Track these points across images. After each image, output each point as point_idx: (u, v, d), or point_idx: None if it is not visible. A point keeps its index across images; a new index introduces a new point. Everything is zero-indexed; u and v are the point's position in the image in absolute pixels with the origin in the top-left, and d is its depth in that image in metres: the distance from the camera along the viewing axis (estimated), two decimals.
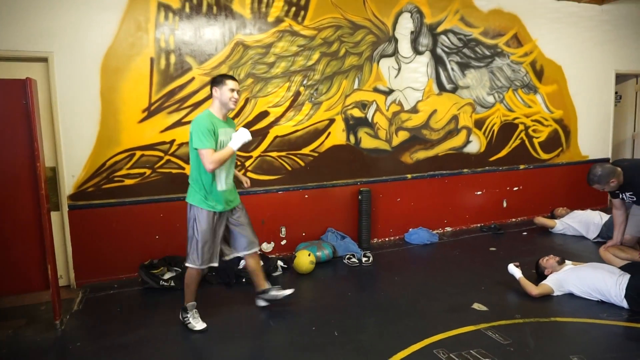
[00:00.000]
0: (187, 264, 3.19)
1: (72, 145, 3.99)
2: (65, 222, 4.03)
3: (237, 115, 4.51)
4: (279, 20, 4.58)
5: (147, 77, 4.16)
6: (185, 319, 3.23)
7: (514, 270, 3.73)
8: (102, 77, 4.01)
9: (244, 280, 4.09)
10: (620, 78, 6.98)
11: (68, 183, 4.02)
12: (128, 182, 4.21)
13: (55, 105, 3.90)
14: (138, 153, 4.21)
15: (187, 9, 4.23)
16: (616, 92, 6.99)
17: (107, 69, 4.02)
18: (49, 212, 3.28)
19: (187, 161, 4.37)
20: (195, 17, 4.27)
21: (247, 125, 4.56)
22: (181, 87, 4.29)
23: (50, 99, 3.90)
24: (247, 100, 4.54)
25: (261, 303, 3.53)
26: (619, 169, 3.53)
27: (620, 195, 3.69)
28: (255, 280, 3.48)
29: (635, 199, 3.59)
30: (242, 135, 3.03)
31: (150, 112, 4.22)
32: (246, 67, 4.50)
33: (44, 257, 3.23)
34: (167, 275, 4.07)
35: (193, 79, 4.32)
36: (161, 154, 4.30)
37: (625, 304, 3.25)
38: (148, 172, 4.27)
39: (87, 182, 4.07)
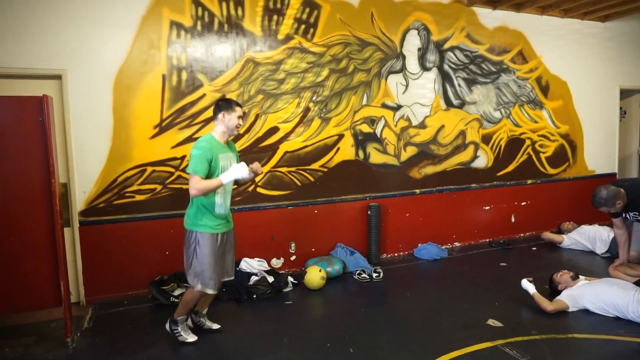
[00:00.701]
0: (196, 288, 3.09)
1: (84, 162, 4.00)
2: (76, 238, 4.02)
3: (248, 130, 4.54)
4: (288, 38, 4.64)
5: (159, 93, 4.20)
6: (175, 332, 3.21)
7: (528, 285, 3.70)
8: (114, 94, 4.05)
9: (254, 296, 4.05)
10: (625, 93, 7.04)
11: (79, 199, 4.02)
12: (139, 197, 4.21)
13: (69, 122, 3.93)
14: (149, 169, 4.22)
15: (199, 27, 4.29)
16: (621, 108, 7.04)
17: (120, 85, 4.06)
18: (63, 228, 3.27)
19: None
20: (207, 35, 4.32)
21: (258, 141, 4.59)
22: (192, 104, 4.33)
23: (64, 116, 3.93)
24: (257, 116, 4.57)
25: (189, 322, 3.40)
26: (622, 190, 3.58)
27: (624, 215, 3.72)
28: (202, 302, 3.37)
29: (639, 217, 3.62)
30: (238, 171, 2.94)
31: (162, 128, 4.24)
32: (256, 84, 4.54)
33: (56, 273, 3.21)
34: (177, 292, 4.04)
35: (204, 95, 4.36)
36: (172, 170, 4.31)
37: None
38: (159, 187, 4.28)
39: (98, 198, 4.07)
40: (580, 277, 3.82)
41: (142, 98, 4.15)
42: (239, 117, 3.09)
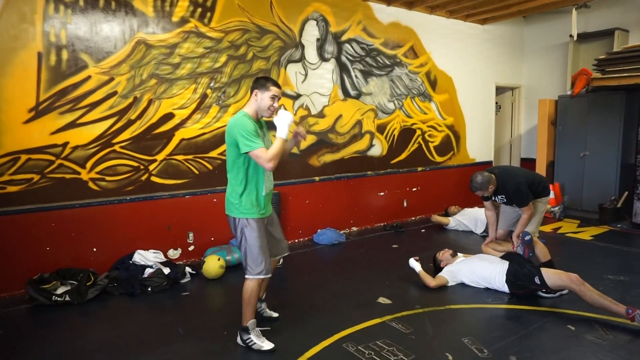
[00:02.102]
0: (248, 277, 2.86)
1: None
2: None
3: (140, 117, 4.30)
4: (184, 21, 4.45)
5: (34, 73, 3.80)
6: (249, 341, 2.88)
7: (414, 264, 4.03)
8: None
9: (149, 289, 3.89)
10: (500, 90, 7.88)
11: None
12: (11, 188, 3.79)
13: None
14: (24, 157, 3.82)
15: (81, 2, 3.94)
16: (497, 103, 7.88)
17: None
18: None
19: (82, 165, 4.07)
20: (91, 12, 3.99)
21: (151, 128, 4.37)
22: (75, 86, 3.98)
23: None
24: (150, 102, 4.34)
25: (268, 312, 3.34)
26: (493, 176, 4.06)
27: (493, 198, 4.22)
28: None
29: (505, 200, 4.15)
30: (285, 118, 2.72)
31: (39, 112, 3.85)
32: (149, 68, 4.31)
33: None
34: (60, 290, 3.73)
35: (89, 77, 4.04)
36: (52, 158, 3.94)
37: (506, 289, 3.68)
38: (36, 177, 3.89)
39: None
40: (459, 254, 4.25)
41: (13, 77, 3.72)
42: (273, 97, 2.80)
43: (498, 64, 7.53)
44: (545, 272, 3.49)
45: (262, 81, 2.84)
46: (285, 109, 2.83)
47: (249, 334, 2.89)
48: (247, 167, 2.80)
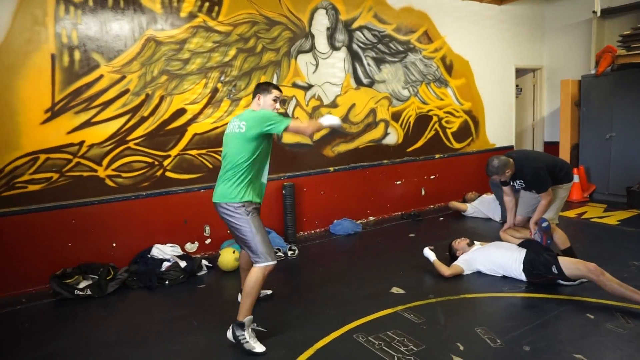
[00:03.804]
0: (259, 265, 2.78)
1: None
2: None
3: (152, 113, 4.36)
4: (192, 16, 4.47)
5: (48, 74, 3.90)
6: (241, 338, 2.74)
7: (429, 253, 3.98)
8: None
9: (166, 282, 3.98)
10: (520, 72, 7.64)
11: None
12: (32, 187, 3.92)
13: None
14: (42, 156, 3.94)
15: (91, 2, 4.00)
16: (517, 85, 7.64)
17: (0, 66, 3.70)
18: None
19: (99, 163, 4.17)
20: (100, 11, 4.05)
21: (164, 124, 4.43)
22: (88, 85, 4.07)
23: None
24: (162, 98, 4.40)
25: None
26: (511, 160, 3.90)
27: (512, 183, 4.07)
28: (244, 276, 3.24)
29: (524, 185, 3.98)
30: (334, 120, 2.95)
31: (54, 112, 3.95)
32: (159, 64, 4.35)
33: None
34: (82, 284, 3.85)
35: (102, 76, 4.11)
36: (70, 157, 4.05)
37: (523, 277, 3.60)
38: (55, 176, 4.01)
39: None
40: (476, 242, 4.17)
41: (29, 79, 3.82)
42: (275, 99, 2.99)
43: (517, 45, 7.28)
44: (563, 261, 3.39)
45: (263, 86, 3.02)
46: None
47: (244, 330, 2.76)
48: (256, 158, 2.87)
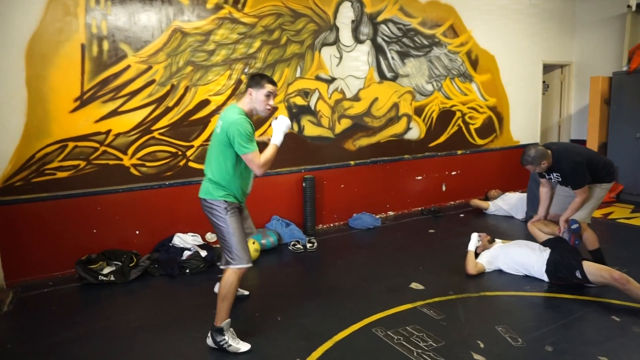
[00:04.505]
0: (232, 266, 2.73)
1: None
2: None
3: (177, 104, 4.41)
4: (218, 7, 4.50)
5: (78, 64, 3.98)
6: (223, 342, 2.69)
7: (474, 239, 3.93)
8: (27, 65, 3.79)
9: (187, 271, 4.05)
10: (547, 68, 7.45)
11: None
12: (61, 174, 4.02)
13: None
14: (71, 144, 4.03)
15: None
16: (544, 81, 7.47)
17: (33, 55, 3.80)
18: None
19: (124, 152, 4.25)
20: (129, 2, 4.11)
21: (188, 115, 4.49)
22: (116, 75, 4.14)
23: None
24: (187, 89, 4.45)
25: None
26: (549, 151, 3.73)
27: (547, 176, 3.92)
28: None
29: (560, 179, 3.81)
30: (282, 124, 2.73)
31: (83, 101, 4.04)
32: (185, 55, 4.40)
33: None
34: (106, 270, 3.94)
35: (129, 66, 4.18)
36: (96, 145, 4.14)
37: (545, 277, 3.53)
38: (83, 164, 4.10)
39: (14, 176, 3.85)
40: (497, 240, 4.11)
41: (60, 69, 3.91)
42: (268, 94, 2.71)
43: (546, 41, 7.11)
44: (588, 266, 3.28)
45: (257, 78, 2.75)
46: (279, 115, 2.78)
47: (224, 335, 2.70)
48: (238, 158, 2.71)
